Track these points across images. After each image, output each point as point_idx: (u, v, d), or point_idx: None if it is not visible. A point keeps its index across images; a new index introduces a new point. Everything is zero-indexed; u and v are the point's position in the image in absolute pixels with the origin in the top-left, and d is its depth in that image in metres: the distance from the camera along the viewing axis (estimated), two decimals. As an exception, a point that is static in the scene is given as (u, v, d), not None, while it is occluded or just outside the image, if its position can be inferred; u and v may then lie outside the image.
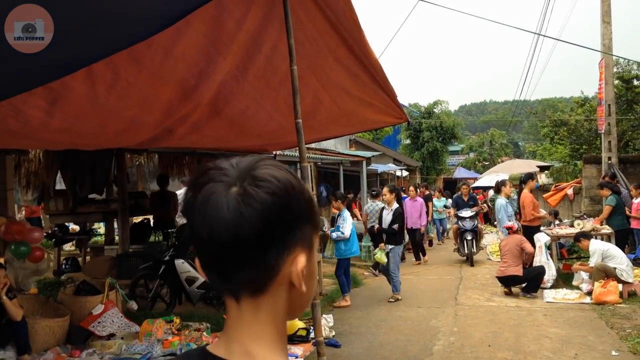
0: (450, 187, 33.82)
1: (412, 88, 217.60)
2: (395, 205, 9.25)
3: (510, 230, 9.39)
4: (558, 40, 21.00)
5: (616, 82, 18.68)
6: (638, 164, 12.96)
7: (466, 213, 12.64)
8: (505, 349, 6.06)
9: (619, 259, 8.50)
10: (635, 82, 23.19)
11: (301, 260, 0.92)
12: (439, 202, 16.82)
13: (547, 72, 43.45)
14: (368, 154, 16.25)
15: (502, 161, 40.02)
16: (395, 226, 9.03)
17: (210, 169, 0.93)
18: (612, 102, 12.50)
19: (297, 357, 5.89)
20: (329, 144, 22.03)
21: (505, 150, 51.78)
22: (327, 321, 7.05)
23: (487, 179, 21.81)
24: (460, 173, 37.97)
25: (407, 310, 8.33)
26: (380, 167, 17.64)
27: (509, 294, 9.12)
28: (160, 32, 3.87)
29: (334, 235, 8.64)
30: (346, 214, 8.67)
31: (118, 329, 6.11)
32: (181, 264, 7.51)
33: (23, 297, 6.40)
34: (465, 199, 13.18)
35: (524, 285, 9.03)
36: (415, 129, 37.07)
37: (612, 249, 8.66)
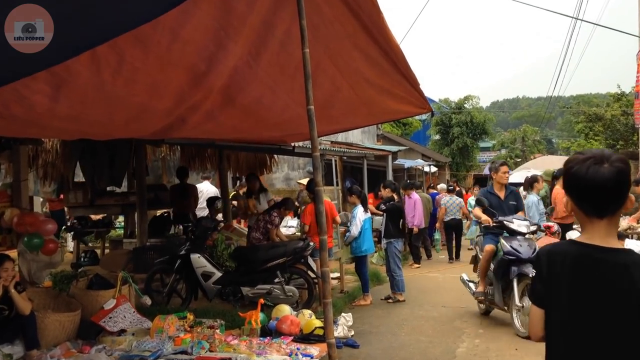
0: (481, 183, 33.18)
1: (443, 83, 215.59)
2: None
3: (548, 230, 8.87)
4: (596, 25, 19.99)
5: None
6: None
7: (520, 225, 6.82)
8: (534, 353, 5.69)
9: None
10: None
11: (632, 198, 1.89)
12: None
13: (582, 67, 42.22)
14: (394, 148, 15.86)
15: (535, 158, 39.08)
16: (382, 207, 8.85)
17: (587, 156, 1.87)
18: (651, 94, 11.90)
19: (312, 358, 5.63)
20: (355, 138, 21.70)
21: (538, 147, 50.54)
22: (346, 320, 6.78)
23: (518, 176, 21.14)
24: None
25: (431, 310, 8.00)
26: (407, 162, 17.25)
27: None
28: (165, 13, 3.64)
29: (346, 236, 8.40)
30: (357, 210, 8.36)
31: (130, 324, 5.94)
32: (197, 259, 7.33)
33: (35, 290, 6.29)
34: (501, 194, 7.28)
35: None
36: (445, 125, 36.45)
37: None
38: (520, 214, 7.31)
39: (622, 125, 17.67)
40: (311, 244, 7.55)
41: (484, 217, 6.96)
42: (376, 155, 13.60)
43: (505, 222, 6.83)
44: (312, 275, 7.54)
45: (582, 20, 14.06)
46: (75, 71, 3.93)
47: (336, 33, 4.78)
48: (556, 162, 23.39)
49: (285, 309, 6.54)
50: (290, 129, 6.56)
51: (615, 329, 1.79)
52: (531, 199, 10.16)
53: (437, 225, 13.94)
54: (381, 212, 9.06)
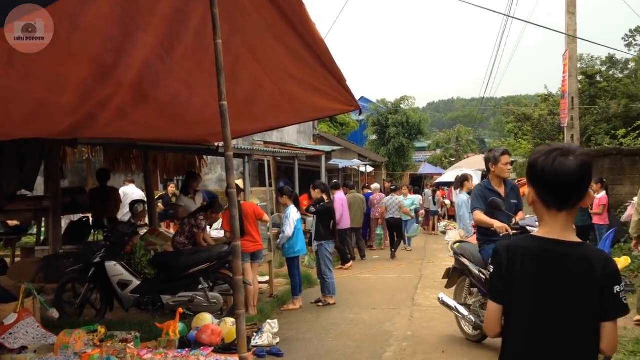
0: (417, 183, 33.69)
1: (380, 85, 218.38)
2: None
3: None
4: (527, 22, 20.41)
5: (580, 77, 18.56)
6: (601, 158, 12.72)
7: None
8: (461, 355, 5.60)
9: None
10: (598, 78, 23.27)
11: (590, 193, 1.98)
12: (407, 200, 15.35)
13: (512, 71, 43.65)
14: (328, 148, 15.70)
15: (468, 157, 40.03)
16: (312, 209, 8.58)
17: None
18: (576, 94, 12.25)
19: (233, 369, 5.31)
20: (291, 138, 21.45)
21: (472, 147, 51.81)
22: (271, 327, 6.50)
23: (451, 175, 21.50)
24: (425, 169, 37.82)
25: (361, 313, 7.83)
26: (341, 163, 17.14)
27: (468, 293, 8.70)
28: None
29: (279, 237, 8.14)
30: (290, 211, 8.11)
31: (32, 340, 5.42)
32: (112, 267, 6.85)
33: None
34: (502, 190, 5.74)
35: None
36: (382, 125, 36.81)
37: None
38: (520, 214, 5.79)
39: (549, 124, 18.21)
40: (236, 248, 7.24)
41: (497, 223, 5.21)
42: (309, 156, 13.36)
43: (528, 228, 5.10)
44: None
45: (513, 17, 14.31)
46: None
47: (255, 24, 4.49)
48: (487, 162, 23.95)
49: (206, 318, 6.19)
50: (212, 128, 6.19)
51: (576, 320, 1.85)
52: (462, 198, 10.23)
53: (379, 221, 14.43)
54: (311, 214, 8.84)
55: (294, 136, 22.20)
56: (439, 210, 21.23)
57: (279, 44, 4.69)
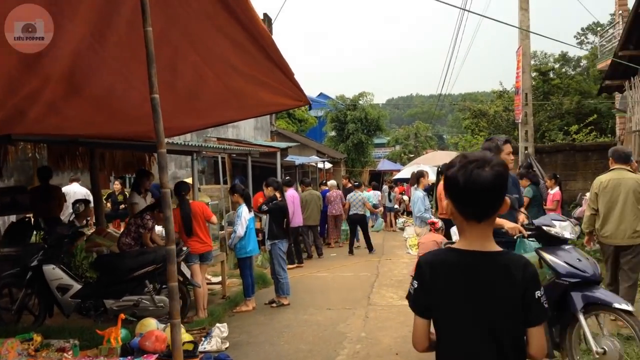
0: (376, 179, 33.75)
1: (339, 82, 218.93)
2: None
3: (432, 226, 8.80)
4: (482, 16, 20.70)
5: (534, 74, 18.82)
6: (554, 154, 12.90)
7: (563, 228, 4.77)
8: (414, 357, 5.47)
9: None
10: (552, 75, 23.73)
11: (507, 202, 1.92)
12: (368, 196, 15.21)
13: (468, 67, 44.23)
14: (283, 144, 15.44)
15: (427, 153, 40.35)
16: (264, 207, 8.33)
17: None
18: (529, 91, 12.33)
19: (179, 377, 5.03)
20: (247, 135, 21.11)
21: (430, 143, 52.38)
22: (220, 331, 6.25)
23: (409, 171, 21.57)
24: (384, 165, 37.97)
25: (316, 314, 7.64)
26: (298, 159, 16.92)
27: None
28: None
29: (231, 237, 7.87)
30: (242, 210, 7.86)
31: (-42, 352, 5.03)
32: (51, 270, 6.47)
33: None
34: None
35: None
36: (341, 121, 36.66)
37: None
38: (522, 210, 5.24)
39: (504, 121, 18.42)
40: (184, 248, 6.95)
41: (508, 223, 4.55)
42: (264, 152, 13.10)
43: (545, 228, 4.64)
44: (187, 283, 6.92)
45: (468, 11, 14.34)
46: None
47: (195, 13, 4.21)
48: (445, 157, 24.15)
49: (150, 324, 5.88)
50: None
51: (502, 329, 1.85)
52: (417, 194, 10.13)
53: (344, 217, 14.35)
54: (264, 213, 8.60)
55: (251, 132, 21.86)
56: (396, 206, 21.25)
57: (221, 36, 4.43)
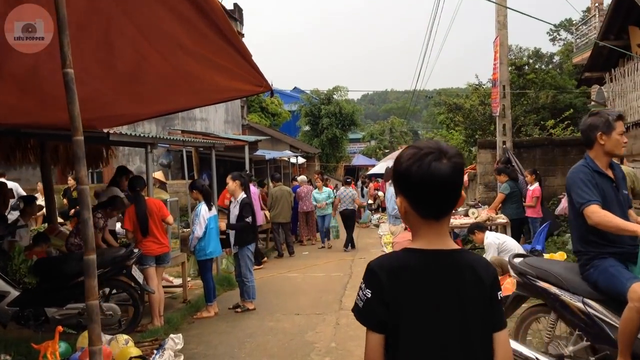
0: (351, 174, 33.32)
1: (314, 78, 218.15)
2: (242, 195, 7.70)
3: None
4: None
5: (509, 68, 18.42)
6: (532, 148, 12.49)
7: None
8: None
9: (515, 253, 7.69)
10: (527, 69, 23.47)
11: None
12: (320, 194, 13.93)
13: (444, 64, 44.03)
14: (252, 138, 14.80)
15: (402, 148, 40.03)
16: (249, 219, 7.55)
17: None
18: (507, 83, 11.88)
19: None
20: (217, 128, 20.41)
21: (405, 138, 52.18)
22: (174, 343, 5.60)
23: (383, 166, 21.10)
24: (359, 160, 37.55)
25: (283, 320, 7.06)
26: (269, 153, 16.30)
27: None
28: None
29: (190, 238, 7.23)
30: (200, 208, 7.22)
31: None
32: (-17, 276, 5.78)
33: None
34: (610, 173, 3.80)
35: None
36: (315, 116, 36.14)
37: (509, 241, 7.84)
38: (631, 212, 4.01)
39: (481, 115, 18.02)
40: (135, 250, 6.30)
41: (632, 226, 3.45)
42: (230, 146, 12.47)
43: None
44: (139, 288, 6.28)
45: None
46: None
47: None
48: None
49: (93, 337, 5.23)
50: (97, 111, 5.21)
51: (473, 337, 1.67)
52: (392, 191, 9.59)
53: (333, 213, 14.00)
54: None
55: (221, 126, 21.18)
56: (370, 202, 20.79)
57: (164, 9, 3.79)
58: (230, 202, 7.87)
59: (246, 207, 7.48)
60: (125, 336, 5.36)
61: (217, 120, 21.06)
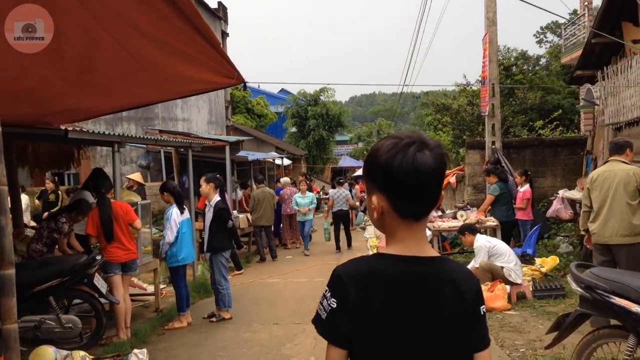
0: (338, 176, 32.91)
1: (302, 80, 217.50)
2: (217, 198, 7.21)
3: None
4: None
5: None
6: (522, 149, 12.17)
7: None
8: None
9: (506, 257, 7.31)
10: (514, 70, 23.24)
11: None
12: (303, 199, 13.20)
13: (431, 66, 43.84)
14: (232, 138, 14.34)
15: (389, 150, 39.59)
16: (230, 223, 7.13)
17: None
18: (497, 81, 11.53)
19: None
20: (200, 129, 19.89)
21: (393, 140, 51.99)
22: (138, 358, 5.15)
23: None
24: (345, 162, 37.18)
25: (260, 330, 6.61)
26: (252, 155, 15.84)
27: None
28: None
29: (161, 244, 6.75)
30: (171, 211, 6.76)
31: None
32: None
33: None
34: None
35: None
36: (301, 117, 35.75)
37: (499, 245, 7.45)
38: None
39: (469, 115, 17.74)
40: (98, 257, 5.82)
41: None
42: (212, 147, 12.00)
43: None
44: (102, 298, 5.81)
45: None
46: None
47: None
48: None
49: (46, 353, 4.77)
50: (45, 104, 4.71)
51: (447, 350, 1.46)
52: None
53: (325, 214, 14.05)
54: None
55: (204, 127, 20.69)
56: (357, 203, 20.37)
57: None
58: (206, 205, 7.41)
59: (222, 212, 7.02)
60: (83, 352, 4.90)
61: (200, 120, 20.56)
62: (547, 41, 41.93)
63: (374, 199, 1.49)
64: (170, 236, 6.67)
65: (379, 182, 1.49)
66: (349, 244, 13.64)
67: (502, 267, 7.15)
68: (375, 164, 1.48)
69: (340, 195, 13.53)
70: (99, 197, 6.22)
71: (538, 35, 44.07)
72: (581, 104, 18.93)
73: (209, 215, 7.10)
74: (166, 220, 6.78)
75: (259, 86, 42.82)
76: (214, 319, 7.11)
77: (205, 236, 7.20)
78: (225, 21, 23.84)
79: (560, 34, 37.66)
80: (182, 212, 6.92)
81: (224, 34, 23.47)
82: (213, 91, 5.57)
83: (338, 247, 13.24)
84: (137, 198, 7.64)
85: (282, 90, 48.02)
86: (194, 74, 4.46)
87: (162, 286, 7.83)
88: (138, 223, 6.41)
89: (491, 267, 7.16)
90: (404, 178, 1.44)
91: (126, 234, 6.23)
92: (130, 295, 8.06)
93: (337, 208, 13.40)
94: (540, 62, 34.25)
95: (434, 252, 1.55)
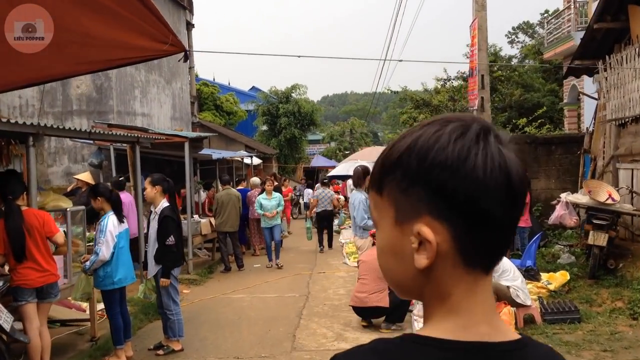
0: (310, 176, 31.75)
1: (273, 80, 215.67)
2: (164, 204, 5.89)
3: (374, 238, 6.64)
4: None
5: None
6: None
7: None
8: None
9: (511, 274, 6.19)
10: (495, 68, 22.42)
11: None
12: (268, 200, 11.32)
13: (405, 66, 42.87)
14: (192, 134, 12.98)
15: (362, 149, 38.67)
16: (171, 240, 5.74)
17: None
18: (486, 72, 10.47)
19: None
20: (162, 125, 18.42)
21: (365, 140, 51.36)
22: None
23: (345, 167, 19.53)
24: (318, 161, 36.02)
25: (214, 368, 5.36)
26: (219, 153, 14.53)
27: (367, 326, 6.53)
28: None
29: (91, 260, 5.39)
30: (106, 221, 5.42)
31: None
32: None
33: None
34: None
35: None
36: (273, 115, 34.49)
37: (504, 261, 6.32)
38: None
39: (450, 111, 16.78)
40: (0, 283, 4.47)
41: None
42: (170, 143, 10.68)
43: None
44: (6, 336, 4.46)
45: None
46: None
47: None
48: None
49: None
50: None
51: None
52: (358, 197, 7.83)
53: (308, 214, 14.22)
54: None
55: (167, 123, 19.18)
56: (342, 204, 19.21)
57: None
58: (151, 212, 6.09)
59: (167, 221, 5.71)
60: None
61: (162, 116, 19.07)
62: (518, 41, 41.55)
63: (423, 230, 0.72)
64: (105, 252, 5.32)
65: (432, 199, 0.73)
66: (330, 244, 13.72)
67: (509, 287, 6.02)
68: (425, 167, 0.73)
69: (325, 195, 13.75)
70: (5, 204, 4.84)
71: (510, 36, 43.65)
72: (565, 100, 18.16)
73: (154, 224, 5.80)
74: (100, 232, 5.41)
75: (229, 83, 41.43)
76: (160, 352, 5.81)
77: (150, 250, 5.88)
78: (191, 11, 22.37)
79: (532, 34, 37.20)
80: (120, 222, 5.59)
81: (189, 25, 22.01)
82: (145, 61, 4.37)
83: (321, 248, 13.34)
84: (67, 203, 6.27)
85: (253, 88, 46.73)
86: (127, 38, 3.20)
87: (99, 310, 6.46)
88: (59, 236, 5.03)
89: (496, 287, 6.01)
90: (493, 191, 0.72)
91: (43, 251, 4.87)
92: (61, 321, 6.74)
93: (321, 208, 13.53)
94: (512, 63, 33.72)
95: (510, 330, 0.80)
